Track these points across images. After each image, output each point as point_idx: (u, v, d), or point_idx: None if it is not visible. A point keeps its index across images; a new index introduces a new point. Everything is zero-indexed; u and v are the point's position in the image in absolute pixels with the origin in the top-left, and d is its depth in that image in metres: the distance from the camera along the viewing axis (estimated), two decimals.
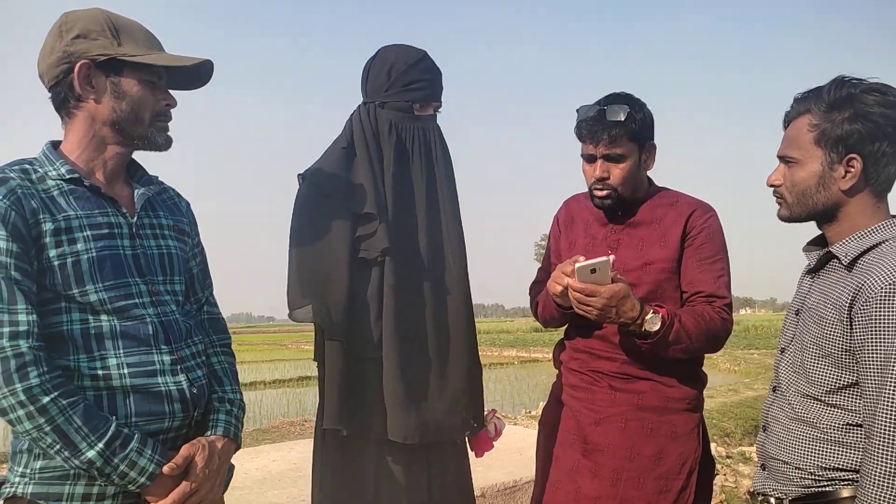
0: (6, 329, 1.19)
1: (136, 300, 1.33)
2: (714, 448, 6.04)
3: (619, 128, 1.82)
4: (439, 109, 1.91)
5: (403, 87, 1.83)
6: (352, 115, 1.88)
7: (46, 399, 1.18)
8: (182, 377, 1.35)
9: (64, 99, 1.34)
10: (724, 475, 5.39)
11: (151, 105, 1.39)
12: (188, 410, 1.36)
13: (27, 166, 1.31)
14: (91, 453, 1.20)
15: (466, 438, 1.94)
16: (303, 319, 1.77)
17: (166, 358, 1.34)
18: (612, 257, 1.67)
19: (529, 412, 8.35)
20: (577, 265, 1.66)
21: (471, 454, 2.00)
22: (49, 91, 1.37)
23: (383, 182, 1.80)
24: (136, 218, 1.39)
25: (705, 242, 1.87)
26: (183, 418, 1.35)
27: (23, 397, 1.17)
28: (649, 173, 2.00)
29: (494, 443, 2.01)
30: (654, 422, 1.87)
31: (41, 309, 1.25)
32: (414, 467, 1.79)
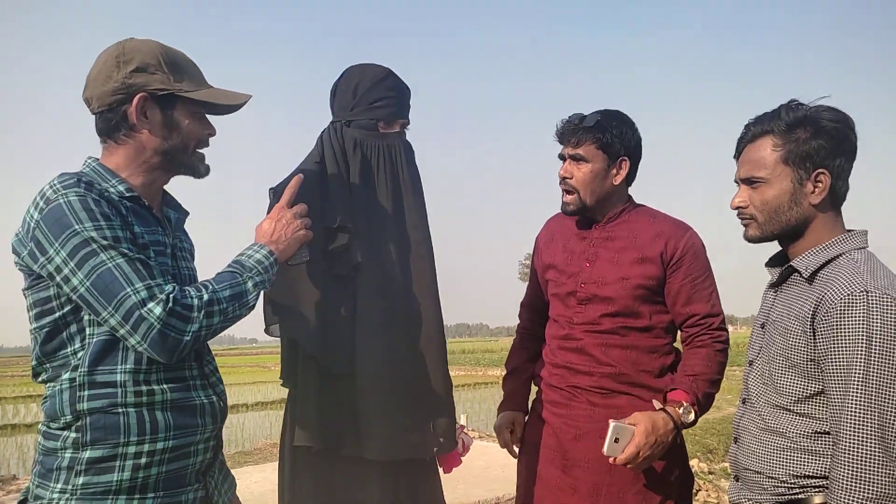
0: (154, 287, 1.25)
1: None
2: (696, 464, 6.06)
3: (587, 132, 1.92)
4: (407, 126, 1.92)
5: (368, 105, 1.84)
6: (322, 133, 1.90)
7: (206, 297, 1.29)
8: (210, 391, 1.43)
9: (115, 126, 1.38)
10: (707, 491, 5.41)
11: (198, 135, 1.46)
12: (216, 422, 1.43)
13: (91, 180, 1.33)
14: (249, 284, 1.37)
15: (436, 455, 1.92)
16: (276, 335, 1.79)
17: (196, 373, 1.41)
18: (612, 422, 1.72)
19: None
20: (606, 451, 1.72)
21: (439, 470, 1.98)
22: (96, 115, 1.40)
23: (352, 199, 1.81)
24: (172, 239, 1.46)
25: (693, 263, 1.92)
26: (212, 430, 1.42)
27: (205, 310, 1.29)
28: (631, 191, 2.05)
29: (462, 458, 2.00)
30: None
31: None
32: (384, 484, 1.77)
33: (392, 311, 1.80)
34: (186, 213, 1.57)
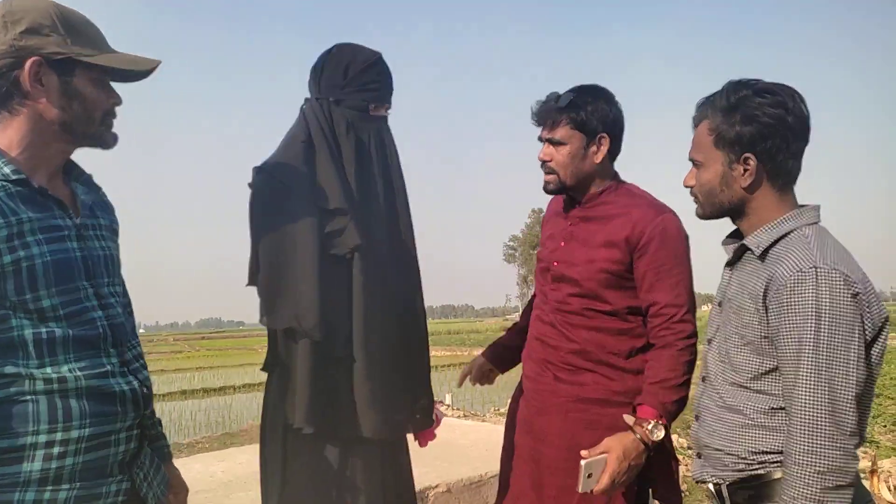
0: None
1: (86, 304, 1.30)
2: (675, 440, 6.15)
3: (560, 113, 1.90)
4: (389, 111, 1.92)
5: (361, 86, 1.83)
6: (303, 109, 1.87)
7: None
8: (132, 378, 1.34)
9: (6, 94, 1.25)
10: (686, 466, 5.50)
11: (103, 104, 1.34)
12: (139, 409, 1.35)
13: None
14: None
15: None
16: (275, 326, 1.75)
17: (115, 360, 1.32)
18: (582, 462, 1.71)
19: (498, 410, 8.41)
20: (581, 489, 1.71)
21: (413, 444, 2.02)
22: None
23: (347, 179, 1.79)
24: (79, 219, 1.34)
25: (659, 249, 1.85)
26: (134, 418, 1.34)
27: None
28: (618, 168, 2.02)
29: (435, 431, 2.04)
30: (595, 413, 1.90)
31: None
32: (372, 463, 1.81)
33: (386, 293, 1.82)
34: (97, 188, 1.46)
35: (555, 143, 1.93)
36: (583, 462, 1.71)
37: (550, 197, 2.16)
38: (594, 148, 1.92)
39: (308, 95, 1.89)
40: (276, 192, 1.76)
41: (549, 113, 1.92)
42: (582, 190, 1.98)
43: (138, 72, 1.36)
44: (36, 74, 1.25)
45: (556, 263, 1.99)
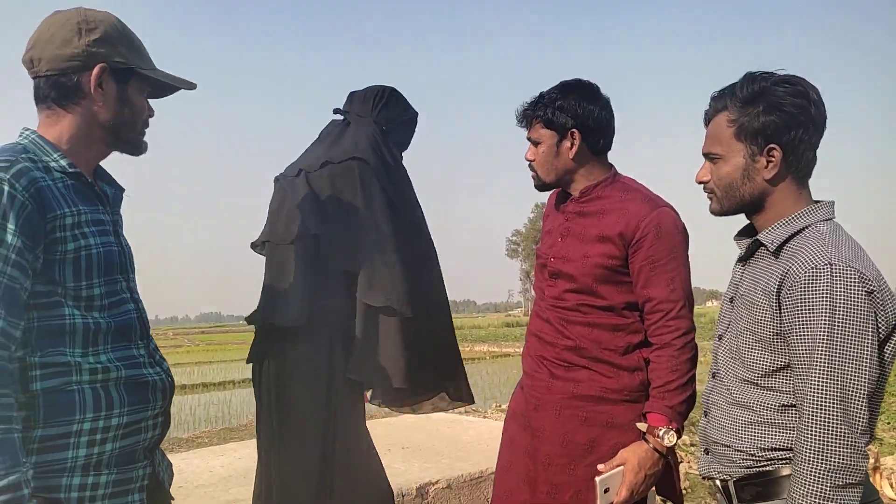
0: None
1: (123, 295, 1.39)
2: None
3: (533, 112, 1.94)
4: None
5: (404, 131, 2.26)
6: (362, 121, 2.16)
7: None
8: (158, 368, 1.43)
9: (65, 93, 1.35)
10: (689, 463, 5.49)
11: (144, 113, 1.46)
12: (166, 398, 1.44)
13: (29, 154, 1.29)
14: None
15: None
16: (374, 302, 2.05)
17: (143, 351, 1.41)
18: (597, 478, 1.73)
19: (500, 406, 8.41)
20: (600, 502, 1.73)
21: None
22: (41, 77, 1.35)
23: (417, 200, 2.26)
24: (112, 215, 1.43)
25: (654, 244, 1.83)
26: (161, 406, 1.42)
27: None
28: (613, 161, 2.01)
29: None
30: (589, 411, 1.88)
31: (45, 301, 1.25)
32: None
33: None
34: (122, 189, 1.53)
35: (532, 142, 1.96)
36: (597, 479, 1.70)
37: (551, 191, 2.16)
38: (567, 143, 1.91)
39: (338, 106, 2.25)
40: (399, 183, 2.13)
41: (523, 114, 1.97)
42: (566, 185, 1.98)
43: (171, 87, 1.49)
44: (99, 79, 1.36)
45: (553, 259, 1.97)
